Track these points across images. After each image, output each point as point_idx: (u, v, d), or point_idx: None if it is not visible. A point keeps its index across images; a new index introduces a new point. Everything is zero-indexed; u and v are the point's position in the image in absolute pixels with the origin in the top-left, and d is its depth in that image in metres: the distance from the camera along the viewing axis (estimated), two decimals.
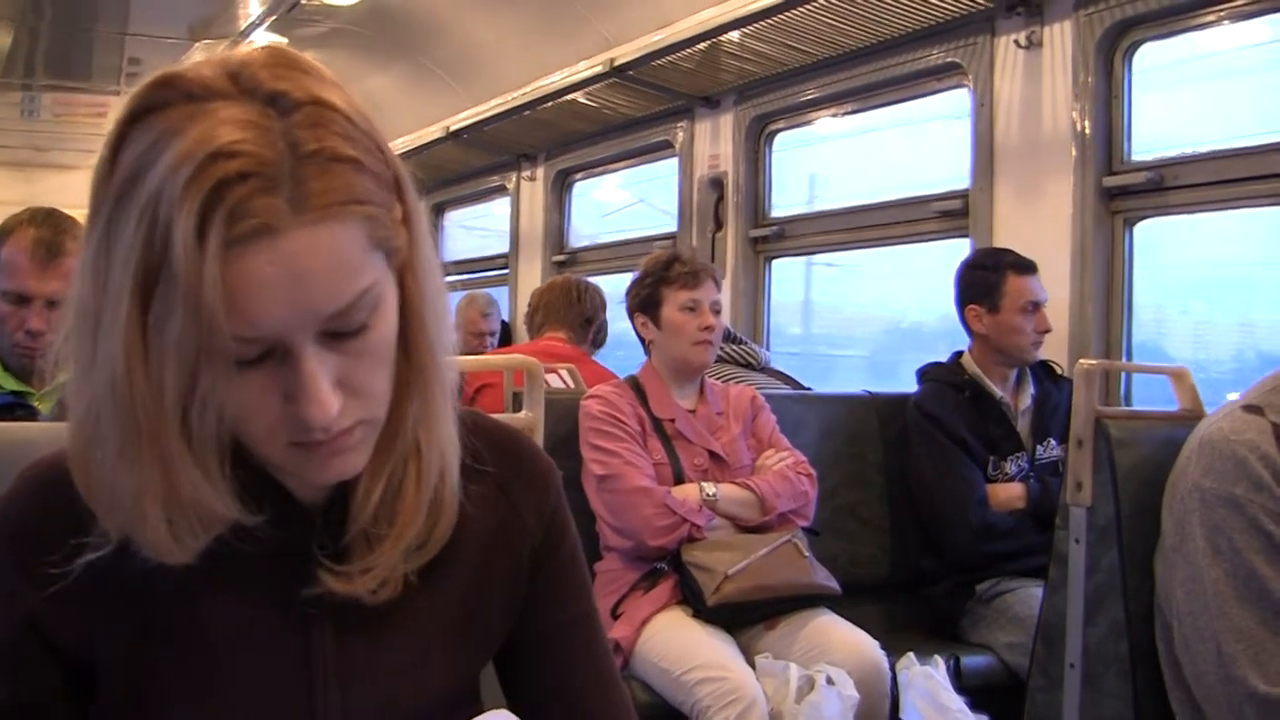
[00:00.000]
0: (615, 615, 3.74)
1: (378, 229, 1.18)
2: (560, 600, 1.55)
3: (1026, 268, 4.50)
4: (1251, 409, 2.18)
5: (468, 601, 1.44)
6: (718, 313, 4.03)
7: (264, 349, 1.15)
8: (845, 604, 3.86)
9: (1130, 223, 4.99)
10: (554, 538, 1.54)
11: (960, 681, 3.82)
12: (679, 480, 3.86)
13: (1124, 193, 4.93)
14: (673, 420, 3.96)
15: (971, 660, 4.05)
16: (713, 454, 3.94)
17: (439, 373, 1.33)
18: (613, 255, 8.26)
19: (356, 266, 1.16)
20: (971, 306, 4.50)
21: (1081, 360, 2.40)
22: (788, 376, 5.35)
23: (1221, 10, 4.73)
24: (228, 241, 1.09)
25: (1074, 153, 5.01)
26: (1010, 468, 4.39)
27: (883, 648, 3.64)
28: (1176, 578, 2.14)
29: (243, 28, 8.07)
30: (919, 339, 6.93)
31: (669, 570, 3.75)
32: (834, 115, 6.62)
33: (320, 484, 1.30)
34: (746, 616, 3.74)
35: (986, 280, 4.49)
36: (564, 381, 4.58)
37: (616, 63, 6.85)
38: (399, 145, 9.23)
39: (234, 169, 1.09)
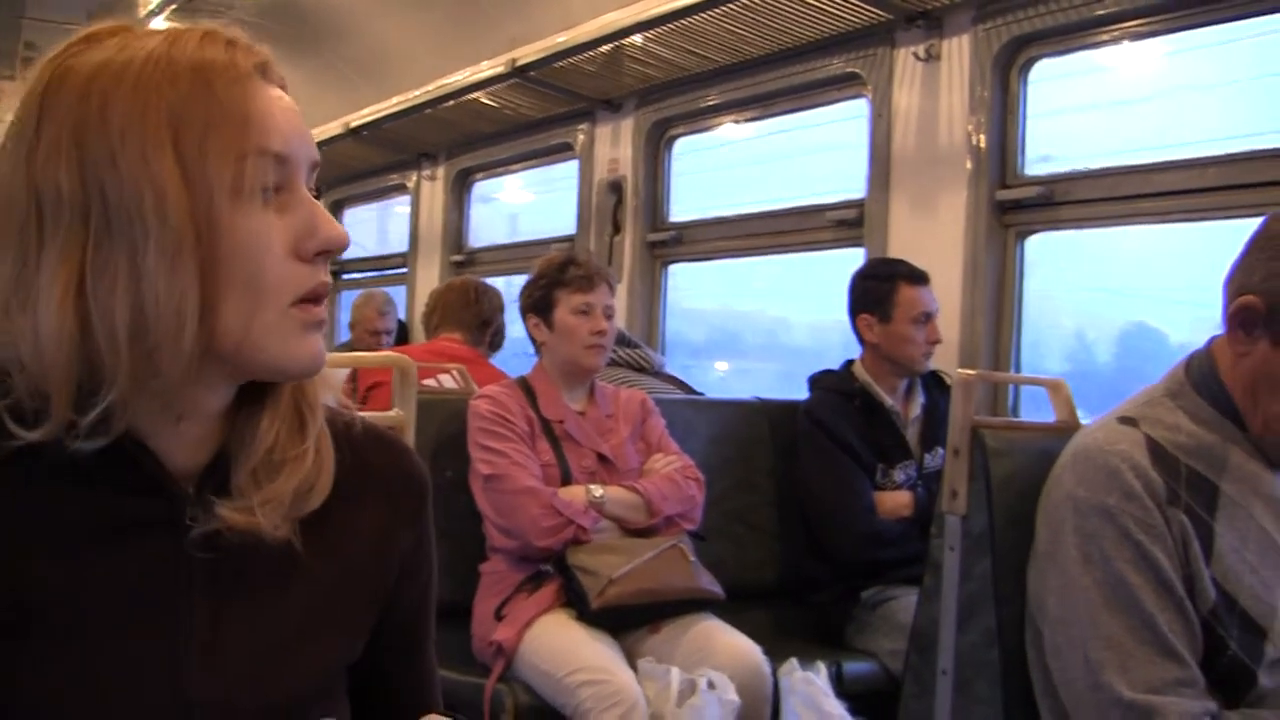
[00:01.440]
0: (499, 617, 3.72)
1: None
2: (415, 614, 1.58)
3: (919, 278, 4.52)
4: (1126, 421, 2.20)
5: (342, 591, 1.44)
6: (610, 317, 4.02)
7: (278, 179, 1.27)
8: (731, 609, 3.86)
9: (1022, 236, 5.04)
10: (423, 551, 1.56)
11: (842, 687, 3.83)
12: (566, 482, 3.85)
13: (1016, 206, 4.99)
14: (562, 422, 3.95)
15: (854, 666, 4.07)
16: (601, 456, 3.94)
17: None
18: (511, 256, 8.25)
19: None
20: (863, 315, 4.51)
21: (960, 370, 2.42)
22: (680, 381, 5.36)
23: (1116, 30, 4.78)
24: (256, 67, 1.31)
25: (969, 165, 5.05)
26: (898, 476, 4.41)
27: (767, 653, 3.65)
28: (1048, 585, 2.16)
29: (142, 15, 7.97)
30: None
31: (554, 573, 3.74)
32: (735, 122, 6.63)
33: (300, 364, 1.31)
34: (630, 620, 3.73)
35: (879, 290, 4.52)
36: (456, 382, 4.56)
37: (519, 63, 6.84)
38: None
39: (233, 35, 1.32)
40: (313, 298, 1.28)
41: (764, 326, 7.77)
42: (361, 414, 1.53)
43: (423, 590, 1.57)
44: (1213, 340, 2.28)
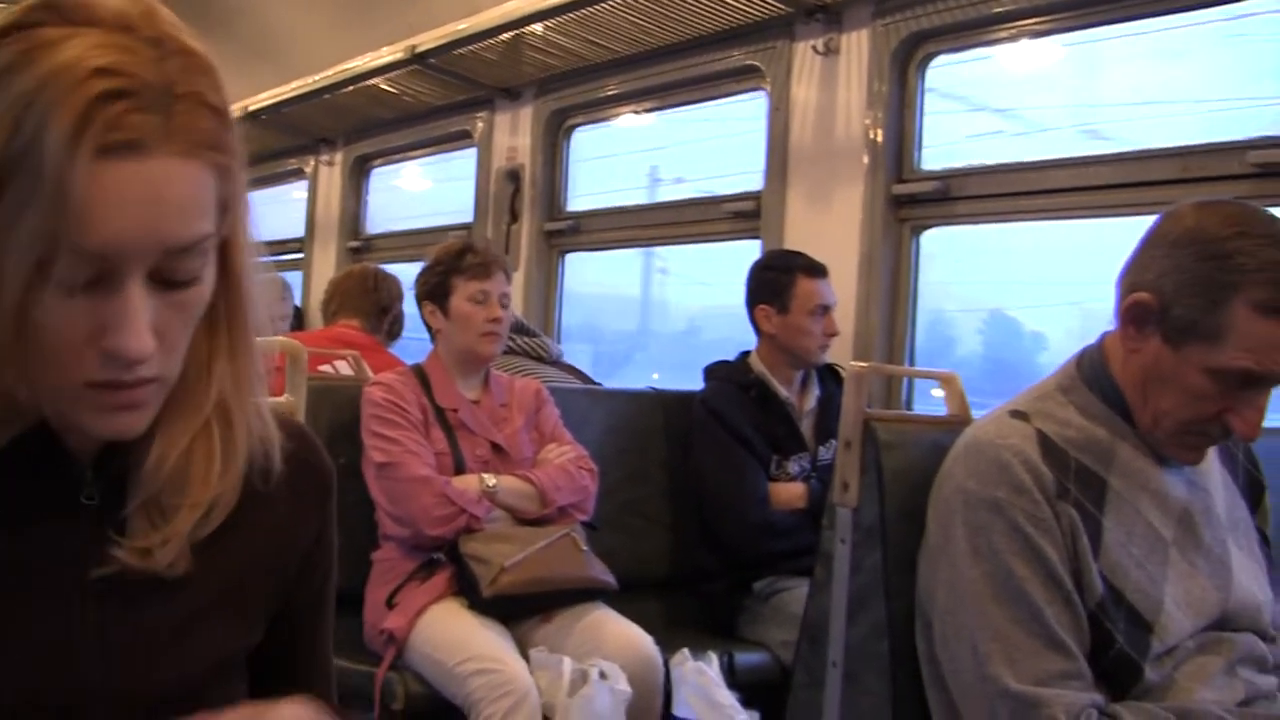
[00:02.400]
0: (390, 605, 3.70)
1: (225, 185, 1.20)
2: (314, 609, 1.56)
3: (817, 271, 4.53)
4: (1018, 414, 2.22)
5: (243, 581, 1.42)
6: (506, 305, 4.01)
7: (96, 272, 1.13)
8: (624, 599, 3.87)
9: (917, 230, 5.08)
10: (325, 546, 1.54)
11: (733, 678, 3.84)
12: (460, 470, 3.83)
13: (912, 201, 5.02)
14: (456, 410, 3.93)
15: (746, 657, 4.08)
16: (495, 445, 3.93)
17: (250, 348, 1.34)
18: (409, 243, 8.18)
19: (205, 210, 1.18)
20: (761, 307, 4.51)
21: (851, 363, 2.43)
22: (578, 370, 5.36)
23: (1014, 28, 4.81)
24: (100, 149, 1.09)
25: (865, 160, 5.08)
26: (792, 467, 4.42)
27: (659, 643, 3.66)
28: (938, 577, 2.17)
29: None
30: None
31: (446, 561, 3.72)
32: (634, 112, 6.63)
33: (100, 435, 1.26)
34: (522, 609, 3.71)
35: (777, 281, 4.52)
36: (352, 368, 4.53)
37: (419, 50, 6.79)
38: None
39: (115, 85, 1.11)
40: (108, 386, 1.20)
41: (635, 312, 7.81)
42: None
43: (323, 580, 1.56)
44: (1105, 336, 2.30)
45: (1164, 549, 2.18)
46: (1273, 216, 2.11)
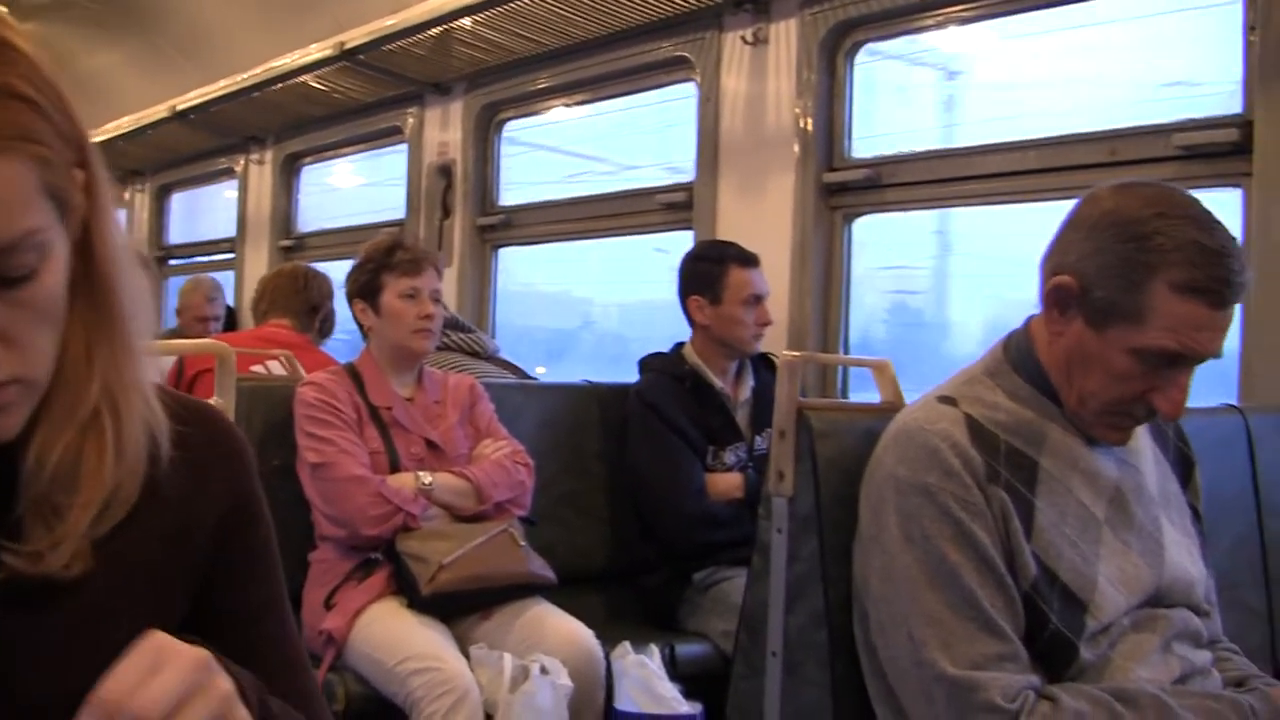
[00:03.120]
0: (329, 606, 3.68)
1: (51, 175, 1.16)
2: (249, 582, 1.50)
3: (749, 261, 4.53)
4: (946, 400, 2.22)
5: (150, 575, 1.39)
6: (438, 301, 3.99)
7: None
8: (563, 593, 3.85)
9: (849, 218, 5.10)
10: (245, 518, 1.49)
11: (675, 669, 3.82)
12: (395, 469, 3.81)
13: (843, 189, 5.04)
14: (390, 408, 3.91)
15: (687, 648, 4.06)
16: (430, 442, 3.91)
17: (130, 340, 1.31)
18: (341, 241, 8.15)
19: (21, 205, 1.14)
20: (694, 297, 4.51)
21: (784, 352, 2.44)
22: (514, 365, 5.35)
23: (941, 14, 4.84)
24: None
25: (796, 149, 5.09)
26: (729, 458, 4.42)
27: (599, 637, 3.65)
28: (872, 565, 2.18)
29: None
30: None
31: (383, 560, 3.70)
32: (565, 105, 6.63)
33: None
34: (461, 606, 3.70)
35: (709, 272, 4.52)
36: (284, 368, 4.50)
37: (347, 46, 6.77)
38: (123, 125, 9.02)
39: None
40: None
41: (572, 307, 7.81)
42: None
43: (255, 560, 1.51)
44: (1030, 319, 2.31)
45: (1096, 528, 2.19)
46: (1191, 197, 2.13)
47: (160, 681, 1.13)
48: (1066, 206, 2.24)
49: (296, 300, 5.54)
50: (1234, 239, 2.10)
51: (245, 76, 7.73)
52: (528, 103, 6.78)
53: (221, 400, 2.53)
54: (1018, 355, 2.29)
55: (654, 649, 3.68)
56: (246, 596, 1.50)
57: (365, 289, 4.00)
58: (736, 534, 4.17)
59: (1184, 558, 2.31)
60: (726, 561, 4.21)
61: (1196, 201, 2.12)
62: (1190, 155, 4.07)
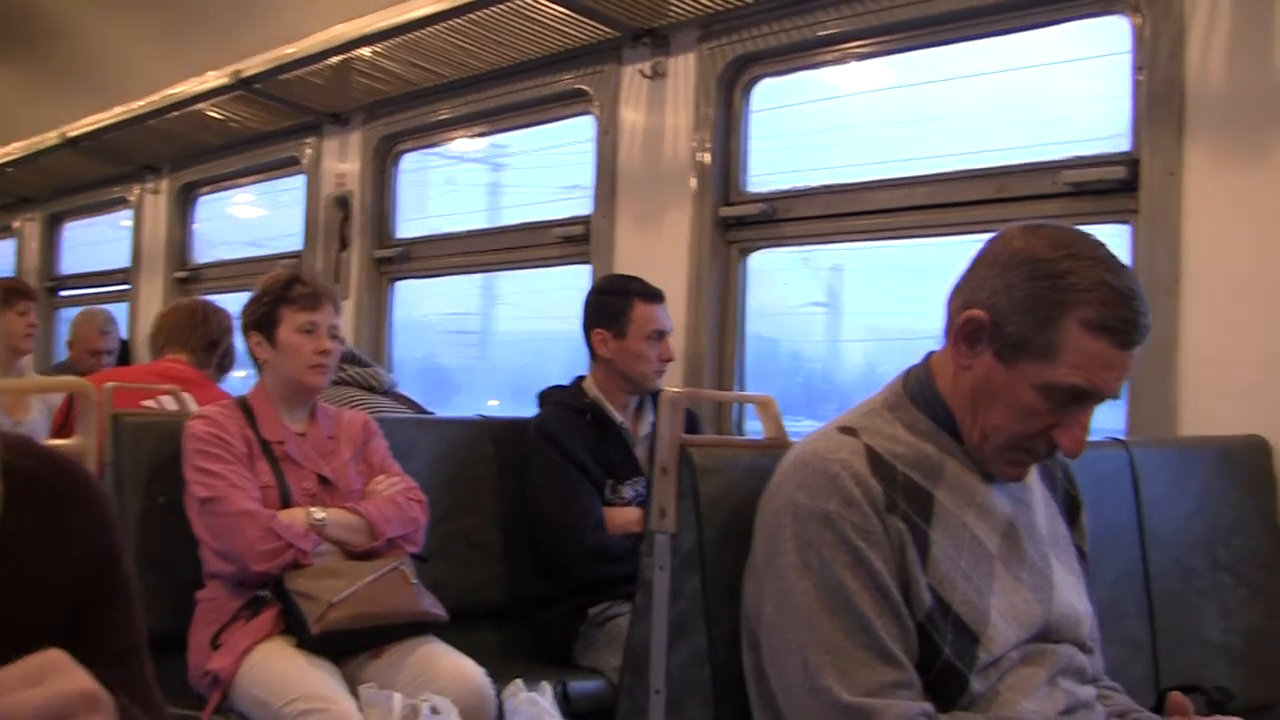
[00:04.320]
0: (215, 645, 3.61)
1: None
2: (109, 635, 1.48)
3: (654, 296, 4.54)
4: (846, 430, 2.23)
5: (5, 631, 1.36)
6: (335, 337, 3.95)
7: None
8: (458, 630, 3.81)
9: (745, 253, 5.12)
10: (105, 573, 1.47)
11: (569, 706, 3.82)
12: (286, 504, 3.75)
13: (739, 223, 5.05)
14: (282, 443, 3.86)
15: (580, 685, 4.04)
16: (322, 478, 3.85)
17: None
18: (238, 273, 8.09)
19: None
20: (598, 331, 4.51)
21: (666, 388, 2.43)
22: (410, 400, 5.31)
23: (838, 51, 4.87)
24: None
25: (693, 183, 5.11)
26: (627, 492, 4.43)
27: (493, 674, 3.61)
28: (766, 591, 2.18)
29: None
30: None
31: (272, 598, 3.64)
32: (465, 137, 6.62)
33: None
34: (352, 645, 3.64)
35: (613, 306, 4.52)
36: (175, 404, 4.44)
37: (244, 74, 6.73)
38: (13, 151, 8.93)
39: None
40: None
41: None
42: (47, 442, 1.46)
43: (116, 612, 1.49)
44: (930, 355, 2.33)
45: (990, 562, 2.21)
46: (1096, 239, 2.17)
47: (36, 694, 1.10)
48: (958, 242, 2.26)
49: (194, 335, 5.46)
50: (1138, 283, 2.15)
51: (140, 104, 7.66)
52: (426, 134, 6.76)
53: (84, 440, 2.47)
54: (917, 389, 2.31)
55: (546, 686, 3.67)
56: (105, 648, 1.47)
57: (261, 321, 3.95)
58: (633, 568, 4.12)
59: (1071, 595, 2.34)
60: (622, 596, 4.18)
61: (1103, 244, 2.16)
62: (1078, 192, 4.13)
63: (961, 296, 2.23)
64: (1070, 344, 2.09)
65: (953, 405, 2.26)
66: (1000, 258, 2.18)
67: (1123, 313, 2.08)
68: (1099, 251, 2.13)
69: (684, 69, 5.22)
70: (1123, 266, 2.14)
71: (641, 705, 2.40)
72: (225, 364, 5.61)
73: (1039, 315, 2.10)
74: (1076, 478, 2.56)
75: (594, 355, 4.58)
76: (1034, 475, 2.41)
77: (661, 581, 2.35)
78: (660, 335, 4.51)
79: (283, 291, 3.94)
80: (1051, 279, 2.10)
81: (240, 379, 5.97)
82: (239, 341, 5.13)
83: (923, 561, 2.12)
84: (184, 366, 5.30)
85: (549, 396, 4.62)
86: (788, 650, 2.12)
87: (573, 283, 5.64)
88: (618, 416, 4.51)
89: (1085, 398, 2.13)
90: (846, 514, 2.09)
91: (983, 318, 2.15)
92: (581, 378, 4.62)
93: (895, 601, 2.08)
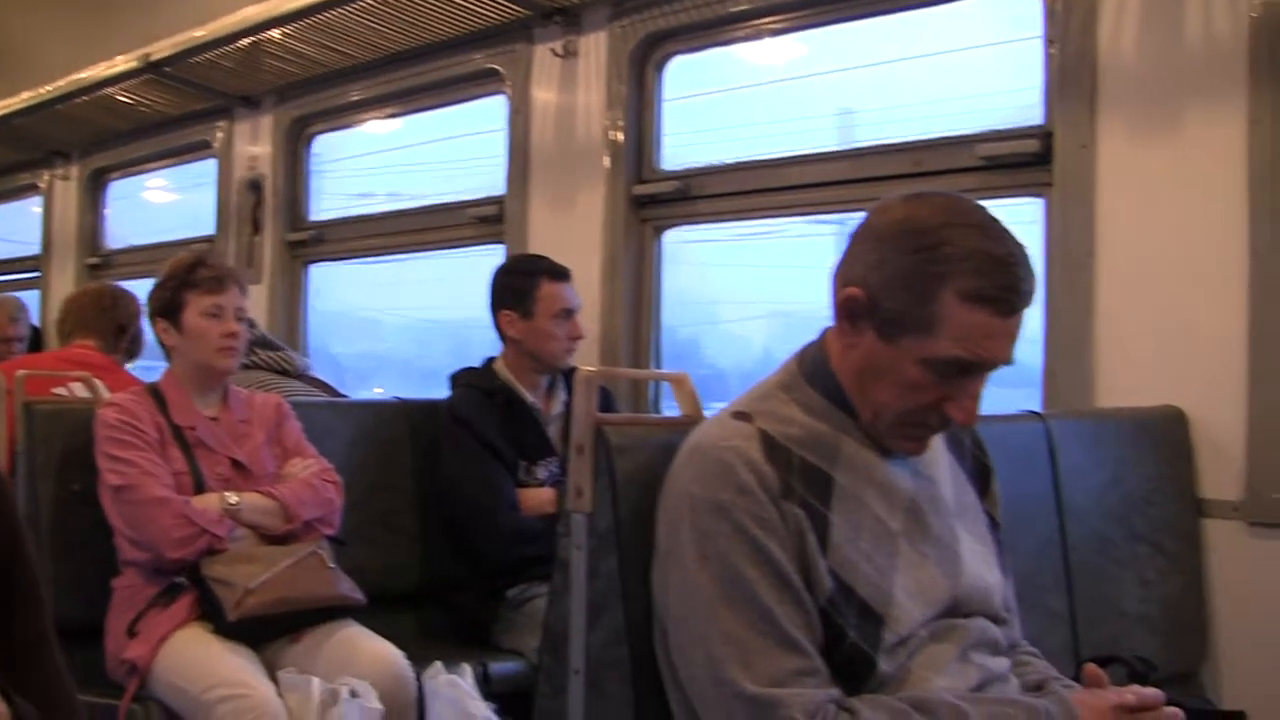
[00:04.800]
0: (132, 633, 3.58)
1: None
2: (14, 625, 1.48)
3: (560, 274, 4.53)
4: (740, 415, 2.20)
5: None
6: (242, 319, 3.92)
7: None
8: (376, 614, 3.80)
9: (659, 230, 5.12)
10: (5, 561, 1.46)
11: (489, 688, 3.82)
12: (200, 490, 3.72)
13: (653, 201, 5.05)
14: (194, 428, 3.83)
15: (501, 666, 4.05)
16: (236, 463, 3.83)
17: None
18: (151, 258, 7.98)
19: None
20: (505, 312, 4.49)
21: (580, 367, 2.43)
22: (325, 384, 5.29)
23: (751, 27, 4.88)
24: None
25: (606, 161, 5.11)
26: (541, 473, 4.42)
27: (412, 657, 3.60)
28: (669, 582, 2.16)
29: None
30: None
31: (188, 585, 3.61)
32: (377, 118, 6.59)
33: None
34: (270, 630, 3.63)
35: (520, 286, 4.51)
36: (86, 390, 4.40)
37: (153, 58, 6.66)
38: None
39: None
40: None
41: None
42: None
43: (19, 601, 1.49)
44: (825, 332, 2.30)
45: (892, 540, 2.19)
46: (977, 206, 2.14)
47: None
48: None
49: (102, 320, 5.42)
50: (1021, 247, 2.11)
51: (49, 89, 7.57)
52: (338, 116, 6.72)
53: None
54: (812, 368, 2.27)
55: (466, 668, 3.67)
56: (11, 640, 1.46)
57: (167, 307, 3.92)
58: (549, 549, 4.08)
59: (981, 567, 2.32)
60: (539, 577, 4.16)
61: (983, 210, 2.13)
62: (993, 166, 4.15)
63: (842, 273, 2.20)
64: (949, 316, 2.06)
65: (844, 383, 2.22)
66: (876, 231, 2.15)
67: (1002, 280, 2.05)
68: (977, 218, 2.10)
69: (596, 47, 5.22)
70: (1003, 232, 2.10)
71: (561, 685, 2.39)
72: (134, 349, 5.56)
73: (915, 290, 2.07)
74: (987, 445, 2.54)
75: (503, 336, 4.55)
76: (939, 445, 2.38)
77: (579, 561, 2.34)
78: (568, 314, 4.50)
79: (187, 276, 3.90)
80: (926, 250, 2.07)
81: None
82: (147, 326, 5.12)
83: (822, 546, 2.09)
84: (94, 353, 5.26)
85: (459, 379, 4.60)
86: (692, 642, 2.10)
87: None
88: (529, 397, 4.49)
89: (972, 369, 2.11)
90: (742, 503, 2.06)
91: (859, 295, 2.12)
92: (492, 359, 4.60)
93: (796, 589, 2.05)
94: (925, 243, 2.07)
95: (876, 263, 2.11)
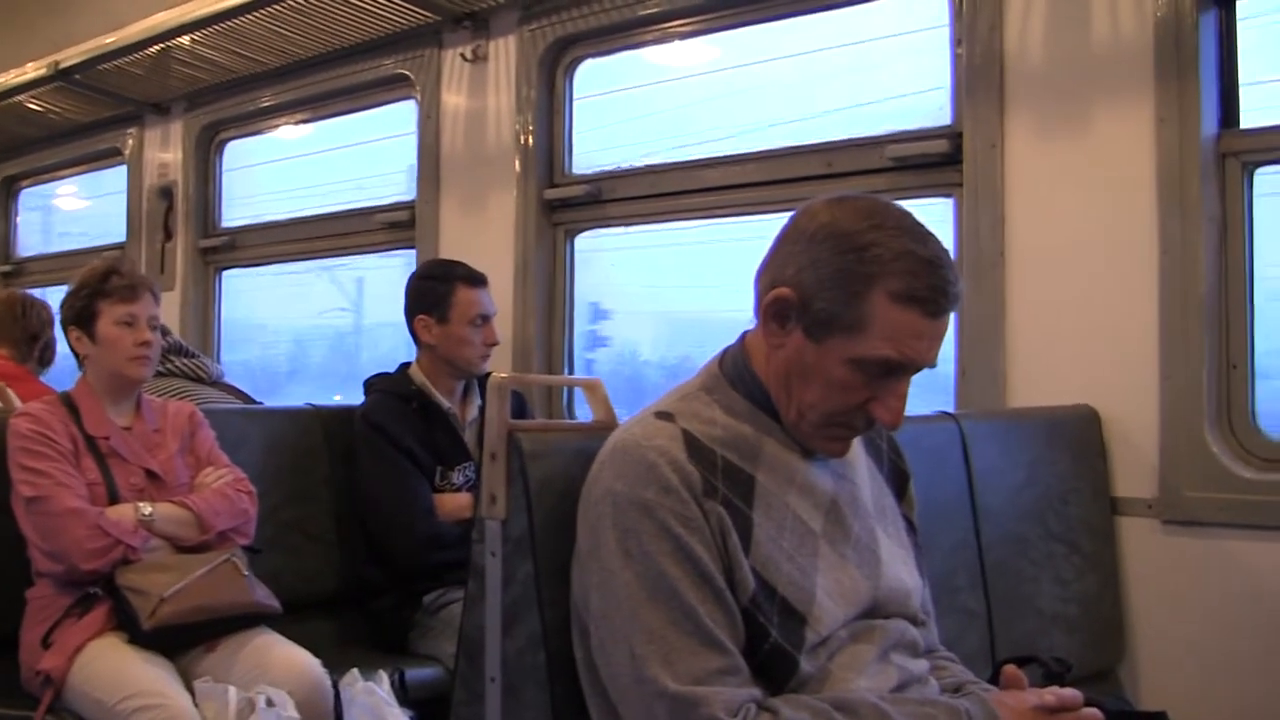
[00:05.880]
0: (46, 644, 3.55)
1: None
2: None
3: (476, 280, 4.54)
4: (663, 415, 2.21)
5: None
6: (155, 327, 3.91)
7: None
8: (292, 621, 3.79)
9: (571, 234, 5.14)
10: None
11: (406, 694, 3.81)
12: (114, 500, 3.70)
13: (564, 205, 5.07)
14: (107, 438, 3.81)
15: (417, 673, 4.03)
16: (150, 472, 3.81)
17: None
18: (63, 265, 7.95)
19: None
20: (420, 317, 4.50)
21: (493, 374, 2.43)
22: (239, 391, 5.26)
23: (660, 30, 4.90)
24: None
25: (517, 165, 5.12)
26: (457, 478, 4.42)
27: (329, 664, 3.59)
28: (591, 581, 2.16)
29: None
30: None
31: (103, 595, 3.59)
32: (288, 124, 6.57)
33: None
34: (185, 639, 3.61)
35: (435, 291, 4.51)
36: (2, 400, 4.37)
37: (62, 65, 6.62)
38: None
39: None
40: None
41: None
42: None
43: None
44: (745, 334, 2.32)
45: (813, 541, 2.20)
46: (903, 210, 2.16)
47: None
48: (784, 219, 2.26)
49: (14, 329, 5.38)
50: (946, 250, 2.14)
51: None
52: (249, 122, 6.70)
53: None
54: (734, 370, 2.29)
55: (383, 675, 3.67)
56: None
57: (80, 316, 3.89)
58: (465, 554, 4.09)
59: (900, 569, 2.34)
60: (455, 582, 4.17)
61: (909, 214, 2.16)
62: (903, 166, 4.20)
63: (768, 274, 2.21)
64: (879, 316, 2.07)
65: (768, 384, 2.24)
66: (805, 232, 2.16)
67: (930, 281, 2.07)
68: (904, 221, 2.12)
69: (505, 51, 5.24)
70: (929, 235, 2.13)
71: (478, 692, 2.40)
72: (46, 357, 5.53)
73: (845, 290, 2.09)
74: (903, 449, 2.56)
75: (418, 341, 4.56)
76: (858, 448, 2.40)
77: (494, 568, 2.35)
78: (484, 319, 4.51)
79: (99, 285, 3.88)
80: (856, 251, 2.08)
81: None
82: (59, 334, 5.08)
83: (745, 545, 2.11)
84: (6, 361, 5.23)
85: (374, 385, 4.60)
86: (614, 640, 2.10)
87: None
88: (444, 402, 4.50)
89: (899, 369, 2.13)
90: (665, 501, 2.07)
91: (790, 295, 2.14)
92: (407, 365, 4.61)
93: (719, 588, 2.07)
94: (855, 244, 2.09)
95: (806, 264, 2.13)
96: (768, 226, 2.38)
